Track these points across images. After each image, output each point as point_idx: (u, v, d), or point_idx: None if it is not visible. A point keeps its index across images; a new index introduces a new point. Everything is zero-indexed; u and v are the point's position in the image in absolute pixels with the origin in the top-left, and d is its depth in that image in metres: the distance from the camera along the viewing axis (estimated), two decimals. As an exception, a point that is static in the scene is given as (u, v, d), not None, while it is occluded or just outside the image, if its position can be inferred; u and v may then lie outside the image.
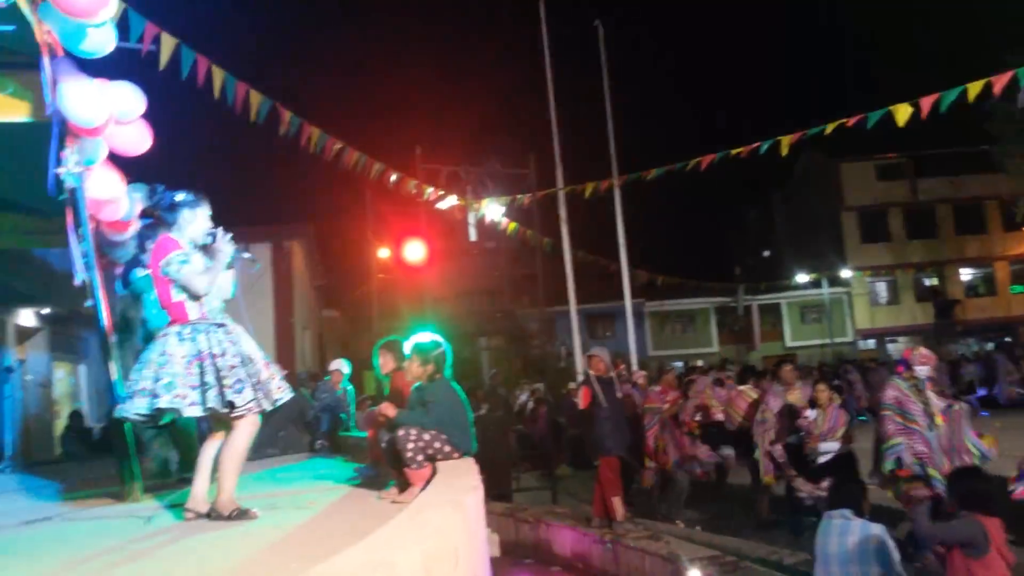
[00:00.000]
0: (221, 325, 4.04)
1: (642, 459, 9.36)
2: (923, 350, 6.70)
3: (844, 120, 8.77)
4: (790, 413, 8.18)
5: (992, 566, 4.38)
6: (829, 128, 8.93)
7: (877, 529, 4.91)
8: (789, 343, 35.84)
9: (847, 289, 35.49)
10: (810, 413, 7.82)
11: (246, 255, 4.29)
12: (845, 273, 34.77)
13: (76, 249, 5.16)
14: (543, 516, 8.61)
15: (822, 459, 7.57)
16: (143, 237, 5.59)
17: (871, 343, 34.94)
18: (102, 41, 5.14)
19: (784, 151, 9.42)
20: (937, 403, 6.39)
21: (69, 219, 5.13)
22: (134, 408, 3.87)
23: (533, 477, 12.56)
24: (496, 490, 9.85)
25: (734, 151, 10.06)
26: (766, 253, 41.49)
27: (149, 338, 5.36)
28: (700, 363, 23.24)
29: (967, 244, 34.54)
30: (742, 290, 35.57)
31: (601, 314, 32.11)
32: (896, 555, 4.86)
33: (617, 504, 7.80)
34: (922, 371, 6.48)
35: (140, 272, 5.58)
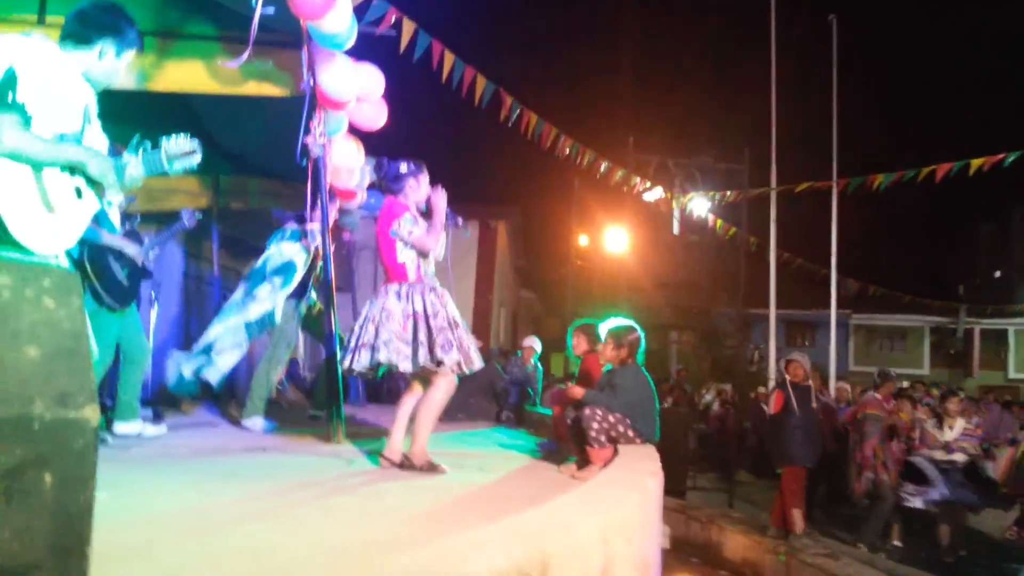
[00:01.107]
0: (433, 289, 4.35)
1: (848, 470, 8.76)
2: None
3: None
4: None
5: None
6: None
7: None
8: (1013, 374, 32.63)
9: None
10: None
11: (458, 219, 4.58)
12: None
13: (312, 211, 5.73)
14: (716, 518, 8.48)
15: None
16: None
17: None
18: (338, 37, 5.55)
19: None
20: None
21: (309, 185, 5.68)
22: (358, 362, 4.22)
23: (709, 479, 12.35)
24: (671, 485, 9.79)
25: (975, 162, 9.26)
26: (997, 274, 37.90)
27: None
28: (905, 384, 21.65)
29: None
30: (964, 311, 32.72)
31: (802, 322, 30.70)
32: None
33: (797, 516, 7.55)
34: None
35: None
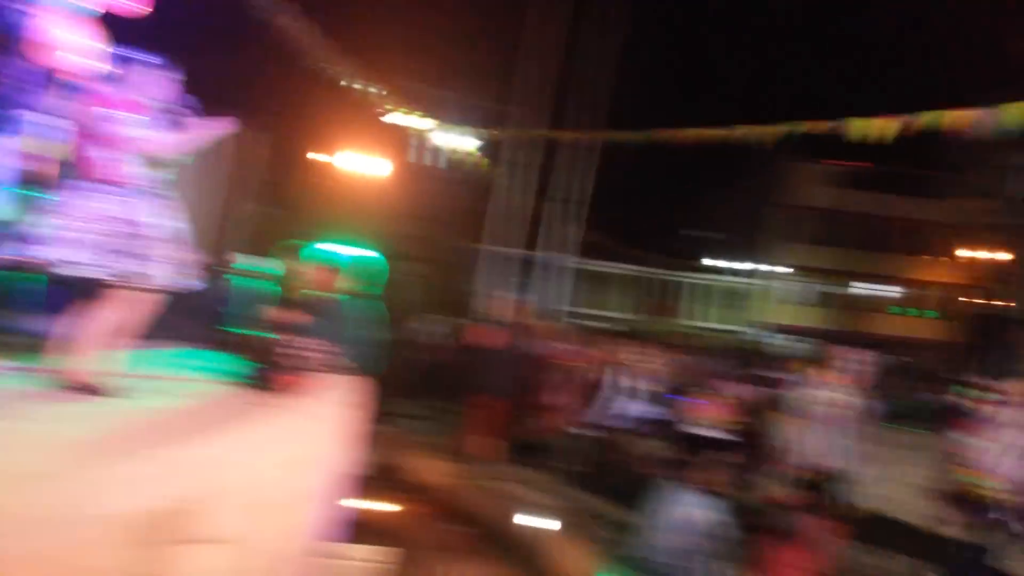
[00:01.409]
0: (151, 194, 3.86)
1: (536, 409, 9.51)
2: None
3: (838, 123, 8.28)
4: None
5: None
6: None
7: (716, 505, 5.21)
8: (697, 322, 36.87)
9: (767, 282, 36.77)
10: None
11: (213, 128, 4.24)
12: (769, 267, 36.03)
13: (35, 99, 4.99)
14: (409, 443, 8.79)
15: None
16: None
17: (782, 338, 36.17)
18: None
19: (768, 143, 9.11)
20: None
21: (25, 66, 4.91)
22: (20, 253, 3.63)
23: (416, 406, 12.68)
24: (382, 414, 9.99)
25: (713, 133, 9.58)
26: (702, 233, 42.30)
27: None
28: (606, 326, 23.80)
29: (884, 261, 35.91)
30: (671, 265, 36.56)
31: (528, 261, 32.41)
32: (735, 534, 5.18)
33: (483, 443, 8.03)
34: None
35: None
